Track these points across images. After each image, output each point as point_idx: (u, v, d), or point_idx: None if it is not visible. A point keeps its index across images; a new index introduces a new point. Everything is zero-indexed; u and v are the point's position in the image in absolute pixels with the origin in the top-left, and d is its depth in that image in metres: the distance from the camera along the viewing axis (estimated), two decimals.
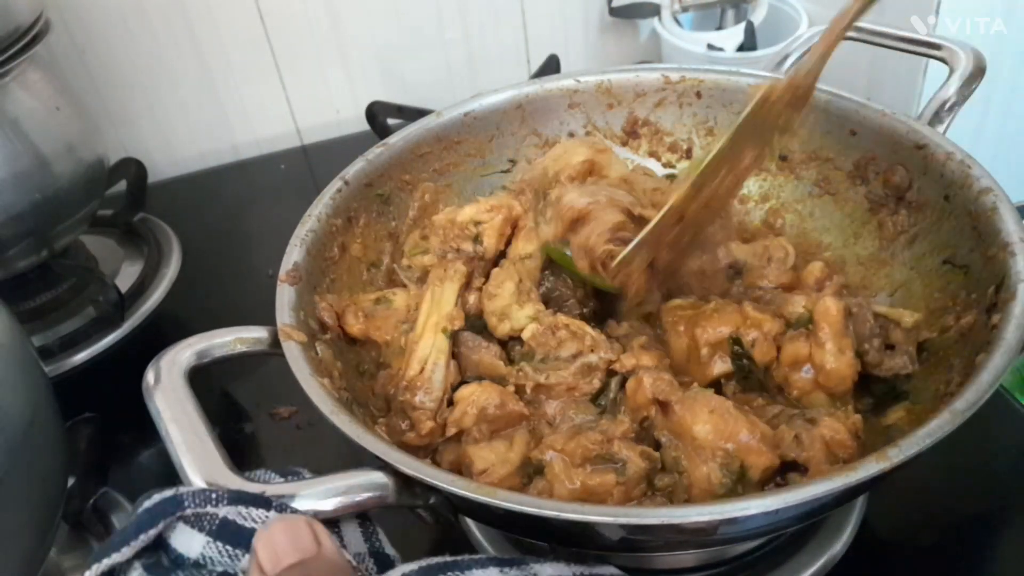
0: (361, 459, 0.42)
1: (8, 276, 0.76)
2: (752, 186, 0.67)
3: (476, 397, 0.50)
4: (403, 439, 0.51)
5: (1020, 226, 0.47)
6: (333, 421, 0.43)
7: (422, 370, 0.52)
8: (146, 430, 0.43)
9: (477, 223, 0.59)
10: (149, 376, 0.45)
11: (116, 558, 0.35)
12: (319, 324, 0.53)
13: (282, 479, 0.41)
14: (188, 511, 0.37)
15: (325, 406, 0.44)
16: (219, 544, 0.36)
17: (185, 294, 0.83)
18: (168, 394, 0.44)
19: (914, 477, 0.49)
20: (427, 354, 0.53)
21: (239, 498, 0.37)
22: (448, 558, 0.38)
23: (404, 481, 0.40)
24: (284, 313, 0.50)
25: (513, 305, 0.54)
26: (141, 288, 0.83)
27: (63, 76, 0.82)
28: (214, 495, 0.37)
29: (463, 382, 0.53)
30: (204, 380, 0.46)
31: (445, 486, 0.39)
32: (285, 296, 0.52)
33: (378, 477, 0.40)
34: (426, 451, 0.52)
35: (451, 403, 0.52)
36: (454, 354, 0.54)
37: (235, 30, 0.99)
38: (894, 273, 0.57)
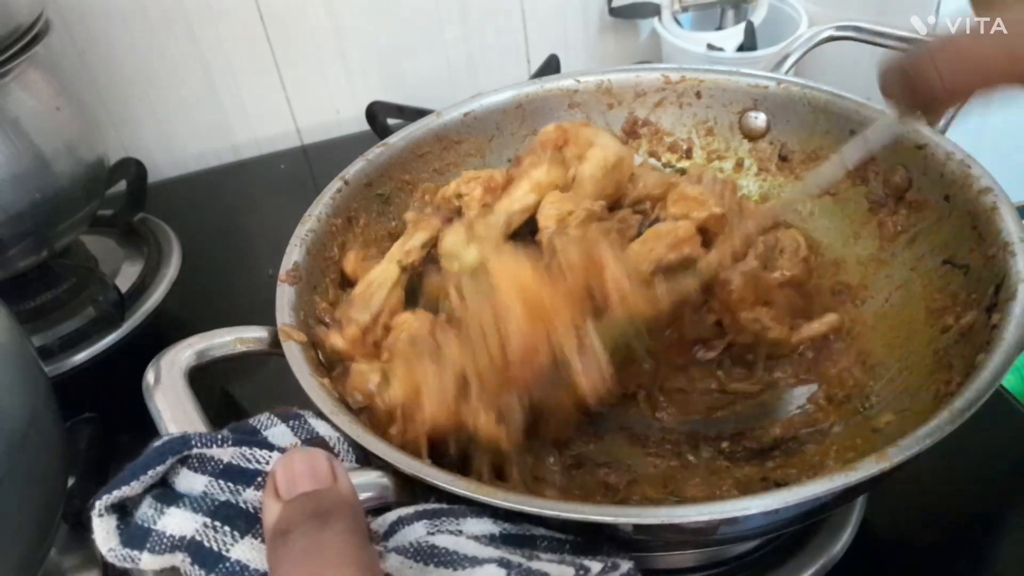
0: (361, 459, 0.42)
1: (8, 276, 0.76)
2: (752, 186, 0.67)
3: (408, 323, 0.52)
4: (328, 342, 0.52)
5: (1020, 226, 0.47)
6: (334, 421, 0.43)
7: (366, 289, 0.55)
8: (146, 430, 0.43)
9: (459, 195, 0.61)
10: (149, 376, 0.45)
11: (126, 491, 0.36)
12: (319, 324, 0.53)
13: (284, 423, 0.42)
14: (195, 449, 0.38)
15: (325, 406, 0.44)
16: (221, 481, 0.37)
17: (185, 294, 0.83)
18: (168, 394, 0.44)
19: (914, 477, 0.49)
20: (375, 277, 0.56)
21: (244, 441, 0.39)
22: (444, 505, 0.39)
23: (404, 481, 0.40)
24: (284, 313, 0.50)
25: (461, 245, 0.56)
26: (141, 288, 0.83)
27: (63, 76, 0.82)
28: (220, 436, 0.38)
29: None
30: (204, 380, 0.46)
31: (445, 486, 0.39)
32: (285, 296, 0.52)
33: (378, 477, 0.40)
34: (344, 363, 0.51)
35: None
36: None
37: (235, 30, 0.99)
38: (894, 273, 0.57)
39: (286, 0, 0.99)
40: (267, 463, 0.39)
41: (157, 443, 0.38)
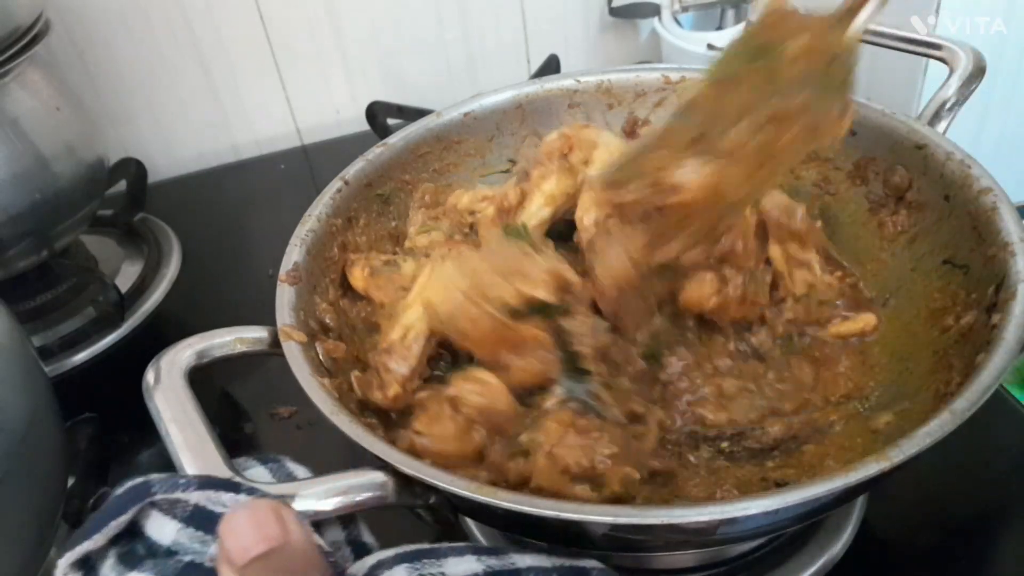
0: (361, 459, 0.42)
1: (8, 276, 0.76)
2: None
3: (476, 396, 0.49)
4: (370, 395, 0.51)
5: (1020, 226, 0.47)
6: (333, 421, 0.43)
7: (404, 337, 0.52)
8: (146, 430, 0.43)
9: (472, 212, 0.60)
10: (149, 376, 0.45)
11: (88, 545, 0.35)
12: (319, 324, 0.53)
13: (262, 466, 0.41)
14: (157, 496, 0.36)
15: (325, 406, 0.44)
16: (190, 530, 0.36)
17: (185, 294, 0.83)
18: (168, 394, 0.44)
19: (914, 477, 0.49)
20: (412, 323, 0.53)
21: (208, 483, 0.37)
22: (425, 545, 0.38)
23: (404, 481, 0.40)
24: (284, 313, 0.50)
25: None
26: (141, 288, 0.83)
27: (63, 76, 0.82)
28: (182, 480, 0.37)
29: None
30: (204, 380, 0.46)
31: (445, 486, 0.39)
32: (285, 296, 0.52)
33: (378, 477, 0.40)
34: (387, 416, 0.52)
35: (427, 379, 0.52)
36: None
37: (235, 30, 0.99)
38: (894, 273, 0.57)
39: (286, 0, 0.99)
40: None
41: (119, 490, 0.37)
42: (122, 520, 0.36)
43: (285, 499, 0.38)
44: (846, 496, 0.40)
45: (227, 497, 0.37)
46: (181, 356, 0.46)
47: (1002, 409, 0.60)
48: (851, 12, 0.46)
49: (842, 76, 0.45)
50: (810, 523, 0.53)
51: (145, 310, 0.80)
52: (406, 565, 0.37)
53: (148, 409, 0.43)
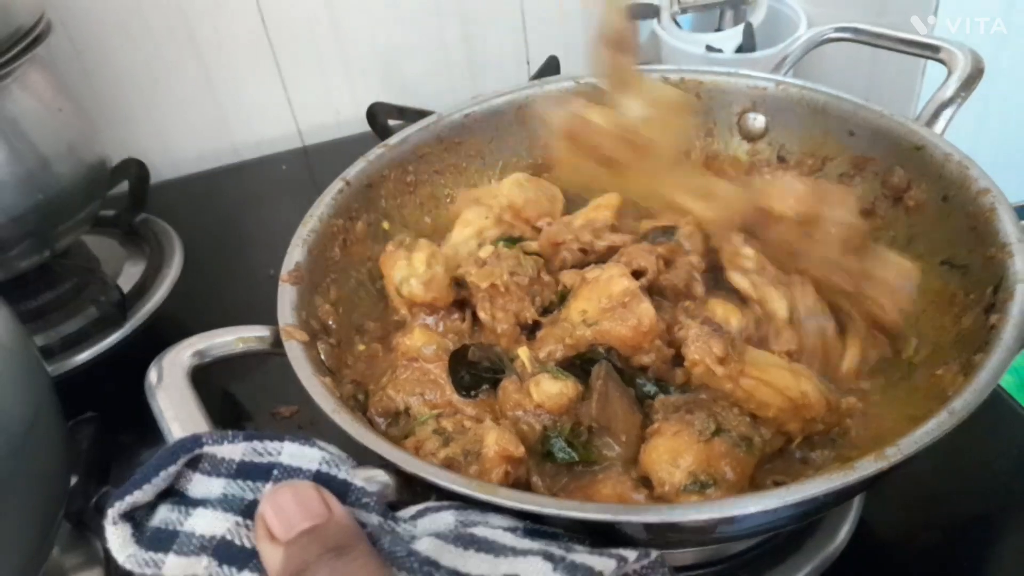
0: (362, 458, 0.42)
1: (10, 276, 0.76)
2: None
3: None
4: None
5: (1018, 227, 0.48)
6: (335, 420, 0.43)
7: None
8: (148, 429, 0.43)
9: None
10: (151, 375, 0.45)
11: (139, 495, 0.35)
12: (320, 324, 0.54)
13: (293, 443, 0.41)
14: (207, 447, 0.37)
15: (327, 405, 0.44)
16: (239, 482, 0.37)
17: (187, 294, 0.83)
18: (170, 393, 0.44)
19: (912, 476, 0.49)
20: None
21: (253, 435, 0.38)
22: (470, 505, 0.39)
23: (405, 479, 0.41)
24: (286, 313, 0.50)
25: None
26: (143, 288, 0.83)
27: (64, 77, 0.82)
28: (229, 434, 0.38)
29: None
30: (206, 379, 0.46)
31: (446, 484, 0.39)
32: (287, 296, 0.52)
33: (379, 475, 0.41)
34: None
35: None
36: None
37: (236, 31, 0.99)
38: None
39: (287, 1, 0.99)
40: (279, 453, 0.38)
41: (168, 445, 0.37)
42: (172, 471, 0.36)
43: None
44: (844, 495, 0.40)
45: (272, 445, 0.38)
46: (183, 356, 0.46)
47: (1001, 409, 0.60)
48: None
49: None
50: (807, 522, 0.53)
51: (147, 310, 0.80)
52: (452, 511, 0.38)
53: (150, 408, 0.44)
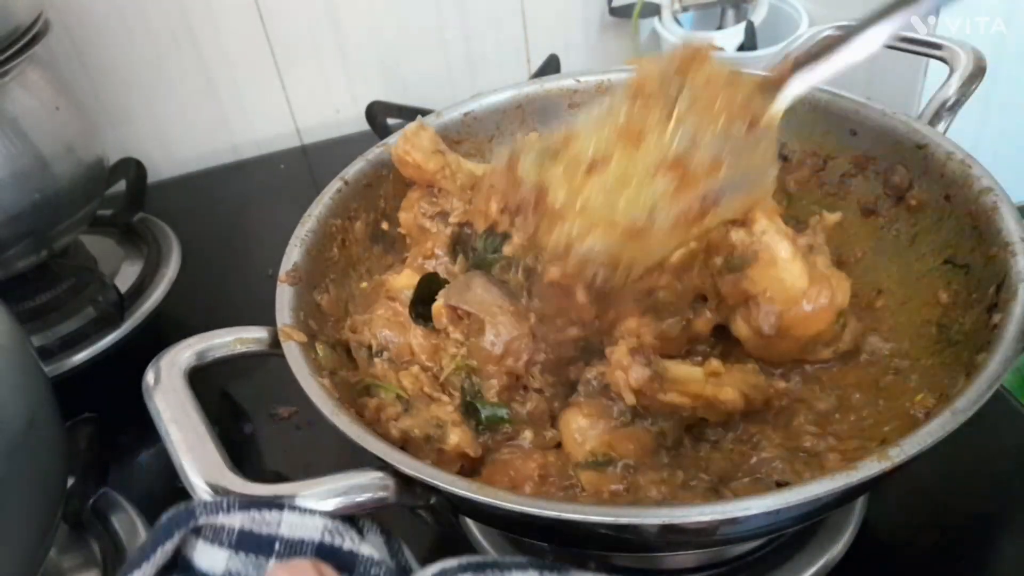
0: (361, 459, 0.42)
1: (8, 276, 0.76)
2: None
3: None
4: None
5: (1021, 226, 0.47)
6: (333, 422, 0.43)
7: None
8: (146, 430, 0.43)
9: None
10: (149, 376, 0.45)
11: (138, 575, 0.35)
12: (319, 324, 0.53)
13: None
14: (201, 520, 0.36)
15: (326, 406, 0.44)
16: (241, 555, 0.36)
17: (185, 294, 0.83)
18: (168, 394, 0.44)
19: (914, 477, 0.49)
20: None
21: (250, 503, 0.37)
22: (489, 558, 0.38)
23: (404, 481, 0.40)
24: (284, 313, 0.50)
25: None
26: (141, 288, 0.83)
27: (62, 76, 0.82)
28: (225, 503, 0.37)
29: None
30: (204, 380, 0.46)
31: (445, 486, 0.39)
32: (285, 296, 0.52)
33: (378, 477, 0.40)
34: None
35: None
36: None
37: (235, 30, 0.99)
38: (894, 273, 0.57)
39: (286, 0, 0.99)
40: (278, 525, 0.37)
41: (163, 518, 0.37)
42: (168, 548, 0.36)
43: (286, 499, 0.38)
44: (847, 496, 0.40)
45: (271, 515, 0.37)
46: (181, 356, 0.46)
47: (1002, 409, 0.60)
48: (775, 84, 0.45)
49: (763, 153, 0.44)
50: (810, 523, 0.53)
51: (145, 310, 0.80)
52: (471, 574, 0.37)
53: (148, 409, 0.43)
